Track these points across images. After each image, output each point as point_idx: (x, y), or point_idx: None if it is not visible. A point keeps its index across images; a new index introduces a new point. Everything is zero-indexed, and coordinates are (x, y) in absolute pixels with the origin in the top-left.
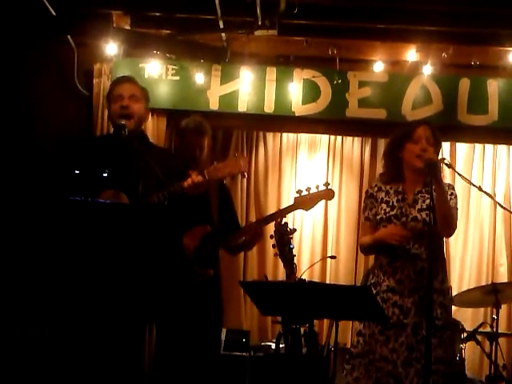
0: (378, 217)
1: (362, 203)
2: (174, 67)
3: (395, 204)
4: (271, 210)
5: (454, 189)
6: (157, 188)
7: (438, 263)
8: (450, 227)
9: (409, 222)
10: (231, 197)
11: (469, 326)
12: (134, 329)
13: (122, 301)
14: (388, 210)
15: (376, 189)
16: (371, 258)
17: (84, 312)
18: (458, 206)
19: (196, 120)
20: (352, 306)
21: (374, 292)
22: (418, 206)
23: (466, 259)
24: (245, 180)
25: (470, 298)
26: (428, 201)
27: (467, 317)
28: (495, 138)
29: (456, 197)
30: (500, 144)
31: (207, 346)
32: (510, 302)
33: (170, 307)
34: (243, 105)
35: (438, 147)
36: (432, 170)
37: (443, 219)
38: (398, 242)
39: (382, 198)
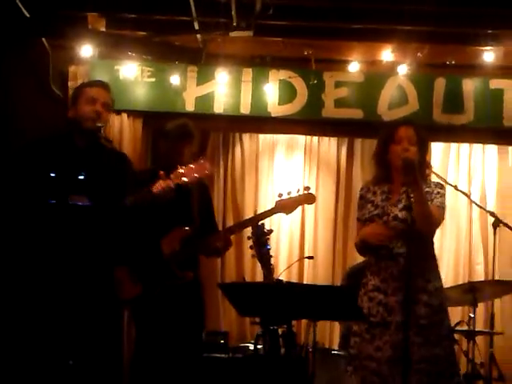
0: (364, 217)
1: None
2: (149, 69)
3: (379, 203)
4: (248, 211)
5: (442, 187)
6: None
7: (423, 262)
8: (429, 226)
9: (390, 221)
10: (210, 196)
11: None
12: (109, 331)
13: (91, 299)
14: (372, 209)
15: (365, 190)
16: (349, 258)
17: (53, 314)
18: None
19: (181, 124)
20: (330, 306)
21: (363, 291)
22: (401, 205)
23: (444, 258)
24: (221, 181)
25: (448, 297)
26: (412, 199)
27: None
28: (471, 137)
29: (442, 196)
30: (475, 143)
31: (189, 350)
32: (487, 301)
33: (150, 310)
34: (219, 106)
35: (422, 146)
36: (407, 169)
37: (421, 218)
38: (379, 241)
39: (369, 199)
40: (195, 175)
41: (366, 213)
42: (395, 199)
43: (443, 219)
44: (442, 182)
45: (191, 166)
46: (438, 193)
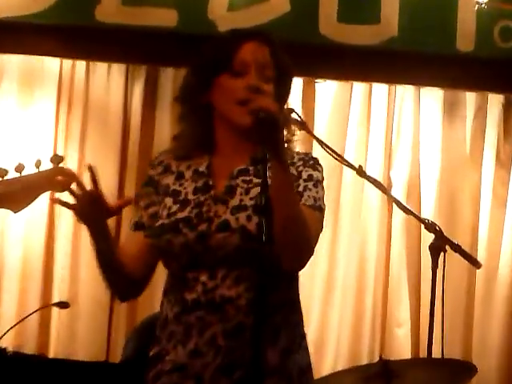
0: (159, 222)
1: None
2: None
3: (190, 197)
4: None
5: (319, 170)
6: None
7: (279, 317)
8: (300, 250)
9: (213, 234)
10: None
11: None
12: None
13: None
14: (176, 208)
15: (161, 169)
16: (150, 298)
17: None
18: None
19: None
20: None
21: (154, 373)
22: (234, 202)
23: (330, 311)
24: None
25: None
26: (255, 190)
27: None
28: (392, 71)
29: (318, 183)
30: (401, 84)
31: None
32: None
33: None
34: None
35: (284, 85)
36: (266, 132)
37: (287, 233)
38: None
39: (169, 186)
40: None
41: (162, 215)
42: (222, 187)
43: (321, 232)
44: (313, 155)
45: None
46: (311, 178)
